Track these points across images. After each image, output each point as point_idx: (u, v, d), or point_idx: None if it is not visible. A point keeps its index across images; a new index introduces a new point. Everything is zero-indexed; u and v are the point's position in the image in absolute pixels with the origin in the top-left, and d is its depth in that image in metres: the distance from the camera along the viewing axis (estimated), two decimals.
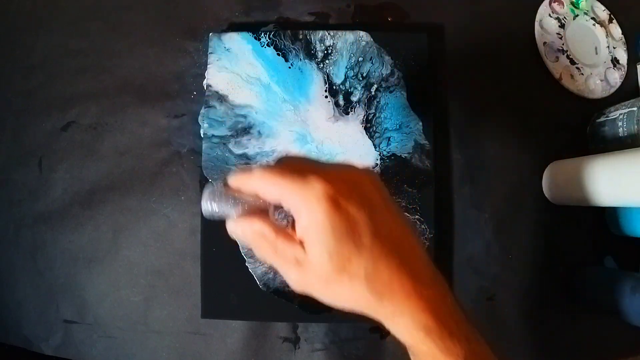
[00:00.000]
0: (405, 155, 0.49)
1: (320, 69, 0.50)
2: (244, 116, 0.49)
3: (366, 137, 0.49)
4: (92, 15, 0.53)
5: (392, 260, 0.26)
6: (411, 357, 0.28)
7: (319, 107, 0.49)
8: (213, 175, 0.48)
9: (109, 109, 0.51)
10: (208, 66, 0.50)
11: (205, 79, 0.50)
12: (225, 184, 0.29)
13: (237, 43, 0.50)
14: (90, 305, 0.49)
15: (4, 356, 0.51)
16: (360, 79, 0.50)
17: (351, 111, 0.49)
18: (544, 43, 0.54)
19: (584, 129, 0.53)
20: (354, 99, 0.49)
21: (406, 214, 0.48)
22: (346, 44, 0.50)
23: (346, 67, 0.50)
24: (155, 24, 0.53)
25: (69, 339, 0.49)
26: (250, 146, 0.48)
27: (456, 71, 0.53)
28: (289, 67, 0.50)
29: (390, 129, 0.49)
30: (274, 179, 0.26)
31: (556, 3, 0.55)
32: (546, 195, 0.51)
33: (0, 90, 0.53)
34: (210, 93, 0.49)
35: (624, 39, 0.56)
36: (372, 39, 0.50)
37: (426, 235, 0.48)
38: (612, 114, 0.49)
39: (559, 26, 0.55)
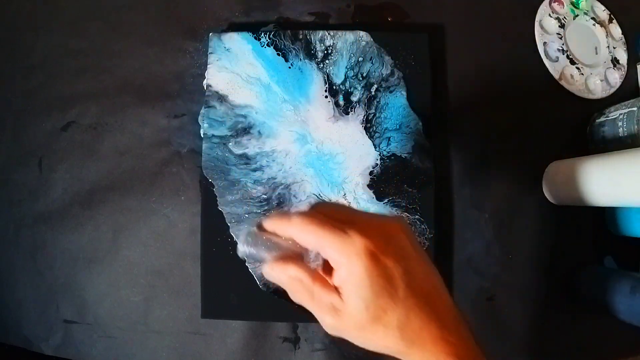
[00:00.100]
0: (405, 155, 0.49)
1: (320, 69, 0.50)
2: (244, 116, 0.49)
3: (366, 137, 0.49)
4: (92, 15, 0.53)
5: (423, 310, 0.27)
6: None
7: (319, 107, 0.49)
8: (213, 175, 0.48)
9: (109, 109, 0.51)
10: (208, 66, 0.50)
11: (205, 79, 0.50)
12: (260, 226, 0.30)
13: (237, 43, 0.50)
14: (90, 305, 0.49)
15: (4, 356, 0.51)
16: (360, 79, 0.50)
17: (351, 111, 0.49)
18: (544, 43, 0.54)
19: (584, 129, 0.53)
20: (354, 99, 0.49)
21: (406, 213, 0.48)
22: (346, 44, 0.50)
23: (346, 67, 0.50)
24: (155, 24, 0.53)
25: (69, 339, 0.49)
26: (250, 146, 0.48)
27: (456, 71, 0.53)
28: (289, 67, 0.50)
29: (390, 129, 0.49)
30: (314, 230, 0.27)
31: (556, 3, 0.55)
32: (546, 195, 0.51)
33: (0, 90, 0.53)
34: (210, 93, 0.49)
35: (624, 39, 0.56)
36: (372, 39, 0.50)
37: (426, 235, 0.48)
38: (612, 114, 0.49)
39: (559, 26, 0.55)
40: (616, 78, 0.55)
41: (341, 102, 0.49)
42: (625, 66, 0.55)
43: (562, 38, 0.54)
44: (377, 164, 0.49)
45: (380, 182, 0.48)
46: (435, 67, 0.52)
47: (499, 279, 0.50)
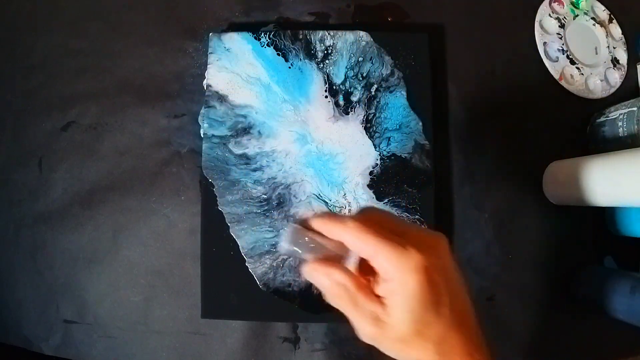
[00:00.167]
0: (405, 155, 0.49)
1: (320, 69, 0.50)
2: (244, 116, 0.49)
3: (366, 137, 0.49)
4: (92, 15, 0.53)
5: (459, 327, 0.28)
6: None
7: (319, 107, 0.49)
8: (213, 175, 0.48)
9: (109, 109, 0.51)
10: (208, 66, 0.50)
11: (205, 79, 0.50)
12: (303, 223, 0.30)
13: (237, 43, 0.50)
14: (90, 305, 0.49)
15: (4, 356, 0.51)
16: (360, 79, 0.50)
17: (351, 111, 0.49)
18: (544, 43, 0.54)
19: (584, 129, 0.53)
20: (354, 99, 0.49)
21: (406, 213, 0.48)
22: (346, 44, 0.50)
23: (346, 67, 0.50)
24: (155, 24, 0.53)
25: (69, 339, 0.49)
26: (250, 146, 0.48)
27: (456, 71, 0.53)
28: (289, 67, 0.50)
29: (390, 129, 0.49)
30: (371, 240, 0.27)
31: (556, 3, 0.55)
32: (546, 195, 0.51)
33: (0, 90, 0.53)
34: (210, 93, 0.49)
35: (624, 39, 0.56)
36: (372, 39, 0.50)
37: None
38: (612, 114, 0.49)
39: (559, 26, 0.55)
40: (616, 78, 0.55)
41: (341, 102, 0.49)
42: (625, 66, 0.55)
43: (562, 38, 0.54)
44: (377, 164, 0.49)
45: (380, 182, 0.48)
46: (435, 67, 0.52)
47: (499, 279, 0.50)
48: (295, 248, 0.30)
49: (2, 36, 0.54)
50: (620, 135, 0.47)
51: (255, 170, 0.48)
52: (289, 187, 0.48)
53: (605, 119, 0.50)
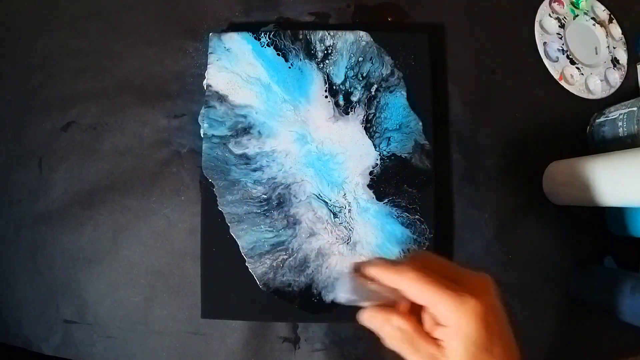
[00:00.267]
0: (405, 155, 0.49)
1: (320, 69, 0.50)
2: (244, 116, 0.49)
3: (366, 137, 0.49)
4: (92, 15, 0.53)
5: None
6: None
7: (319, 107, 0.49)
8: (213, 175, 0.48)
9: (109, 109, 0.51)
10: (208, 66, 0.50)
11: (205, 79, 0.50)
12: (357, 269, 0.32)
13: (237, 43, 0.50)
14: (90, 305, 0.49)
15: (4, 356, 0.51)
16: (360, 79, 0.50)
17: (351, 111, 0.49)
18: (544, 43, 0.54)
19: (584, 129, 0.53)
20: (354, 99, 0.49)
21: (406, 213, 0.48)
22: (346, 44, 0.50)
23: (346, 67, 0.50)
24: (155, 24, 0.53)
25: (69, 339, 0.49)
26: (250, 146, 0.48)
27: (456, 71, 0.53)
28: (289, 67, 0.50)
29: (390, 129, 0.49)
30: (429, 289, 0.29)
31: (556, 3, 0.55)
32: (546, 195, 0.51)
33: (0, 90, 0.53)
34: (210, 93, 0.49)
35: (624, 39, 0.56)
36: (372, 39, 0.50)
37: (426, 235, 0.48)
38: (612, 114, 0.49)
39: (559, 26, 0.55)
40: (616, 78, 0.55)
41: (341, 102, 0.49)
42: (625, 66, 0.55)
43: (562, 38, 0.54)
44: (377, 164, 0.48)
45: (380, 182, 0.48)
46: (435, 67, 0.52)
47: (499, 279, 0.50)
48: (355, 297, 0.31)
49: (2, 36, 0.54)
50: (620, 135, 0.47)
51: (255, 170, 0.48)
52: (289, 187, 0.48)
53: (605, 119, 0.50)
